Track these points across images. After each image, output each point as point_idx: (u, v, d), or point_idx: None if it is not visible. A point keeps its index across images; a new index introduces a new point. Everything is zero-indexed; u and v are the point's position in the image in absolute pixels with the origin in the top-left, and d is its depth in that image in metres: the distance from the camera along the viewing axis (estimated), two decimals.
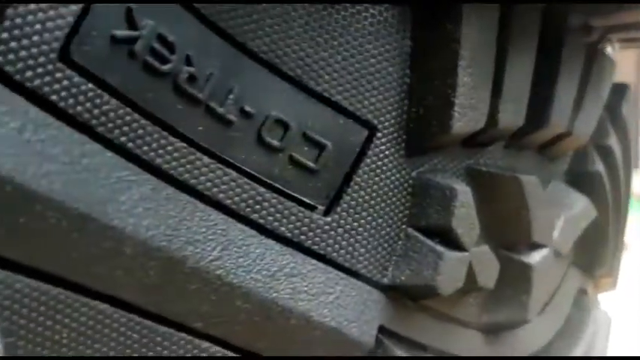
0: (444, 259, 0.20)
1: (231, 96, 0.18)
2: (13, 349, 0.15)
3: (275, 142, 0.19)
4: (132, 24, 0.16)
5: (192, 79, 0.17)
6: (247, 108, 0.18)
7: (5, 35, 0.14)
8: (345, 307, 0.20)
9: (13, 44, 0.14)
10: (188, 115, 0.17)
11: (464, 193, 0.21)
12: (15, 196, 0.14)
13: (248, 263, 0.19)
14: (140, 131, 0.17)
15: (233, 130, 0.18)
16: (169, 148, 0.17)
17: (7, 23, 0.14)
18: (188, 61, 0.17)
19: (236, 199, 0.18)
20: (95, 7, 0.15)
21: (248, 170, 0.19)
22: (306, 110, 0.19)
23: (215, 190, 0.18)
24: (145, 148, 0.17)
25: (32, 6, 0.14)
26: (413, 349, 0.22)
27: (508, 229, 0.23)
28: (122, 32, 0.16)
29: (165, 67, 0.17)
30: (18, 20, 0.14)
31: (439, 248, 0.20)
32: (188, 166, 0.18)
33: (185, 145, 0.17)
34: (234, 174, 0.18)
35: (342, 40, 0.19)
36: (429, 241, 0.21)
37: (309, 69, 0.19)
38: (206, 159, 0.18)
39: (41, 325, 0.15)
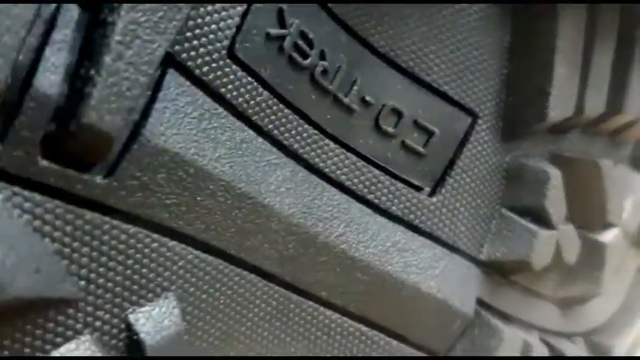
0: (538, 237, 0.22)
1: (355, 87, 0.20)
2: (184, 314, 0.17)
3: (390, 129, 0.21)
4: (282, 23, 0.18)
5: (325, 72, 0.19)
6: (367, 98, 0.20)
7: (189, 34, 0.16)
8: (449, 280, 0.22)
9: (194, 42, 0.16)
10: (319, 105, 0.19)
11: (555, 176, 0.23)
12: (196, 177, 0.16)
13: (366, 239, 0.21)
14: (283, 119, 0.19)
15: (354, 118, 0.20)
16: (305, 134, 0.19)
17: (190, 23, 0.16)
18: (322, 56, 0.19)
19: (355, 180, 0.21)
20: (254, 7, 0.17)
21: (365, 154, 0.21)
22: (417, 99, 0.21)
23: (338, 172, 0.20)
24: (287, 134, 0.19)
25: (209, 7, 0.16)
26: (501, 319, 0.24)
27: (586, 210, 0.25)
28: (275, 30, 0.18)
29: (306, 62, 0.19)
30: (199, 20, 0.16)
31: (533, 227, 0.23)
32: (318, 151, 0.20)
33: (316, 131, 0.20)
34: (354, 158, 0.20)
35: (450, 34, 0.21)
36: (522, 221, 0.23)
37: (421, 61, 0.21)
38: (332, 144, 0.20)
39: (205, 292, 0.18)
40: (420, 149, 0.21)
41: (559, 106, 0.22)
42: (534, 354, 0.24)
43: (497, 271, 0.24)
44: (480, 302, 0.23)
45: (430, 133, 0.21)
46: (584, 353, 0.27)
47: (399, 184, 0.21)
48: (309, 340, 0.20)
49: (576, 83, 0.23)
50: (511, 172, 0.23)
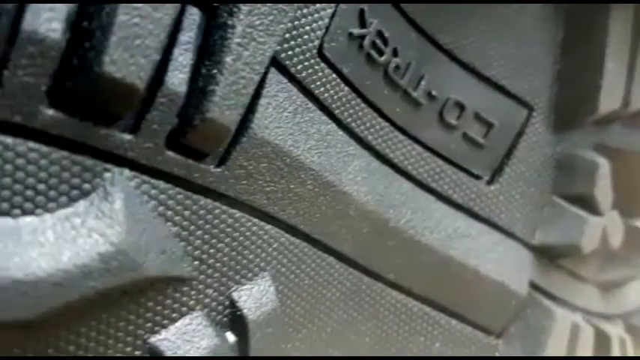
0: (587, 223, 0.24)
1: (422, 82, 0.21)
2: (277, 293, 0.19)
3: (453, 121, 0.22)
4: (363, 23, 0.19)
5: (397, 68, 0.21)
6: (433, 92, 0.22)
7: (287, 36, 0.17)
8: (505, 263, 0.24)
9: (292, 43, 0.18)
10: (391, 99, 0.21)
11: (603, 165, 0.24)
12: (290, 167, 0.18)
13: (431, 225, 0.22)
14: (359, 113, 0.20)
15: (421, 111, 0.22)
16: (377, 127, 0.21)
17: (288, 25, 0.17)
18: (395, 53, 0.21)
19: (420, 170, 0.22)
20: (340, 9, 0.19)
21: (430, 145, 0.22)
22: (478, 93, 0.23)
23: (406, 162, 0.22)
24: (362, 127, 0.20)
25: (305, 10, 0.18)
26: (551, 300, 0.26)
27: (630, 198, 0.27)
28: (357, 30, 0.19)
29: (381, 59, 0.20)
30: (296, 22, 0.17)
31: (582, 213, 0.24)
32: (389, 142, 0.21)
33: (388, 124, 0.21)
34: (420, 149, 0.22)
35: (509, 32, 0.23)
36: (572, 208, 0.24)
37: (482, 57, 0.22)
38: (400, 136, 0.22)
39: (292, 273, 0.19)
40: (480, 140, 0.23)
41: (609, 100, 0.24)
42: (582, 334, 0.25)
43: (547, 256, 0.25)
44: (532, 285, 0.25)
45: (490, 125, 0.23)
46: (623, 335, 0.29)
47: (461, 173, 0.23)
48: (377, 319, 0.22)
49: (624, 78, 0.25)
50: (562, 162, 0.25)
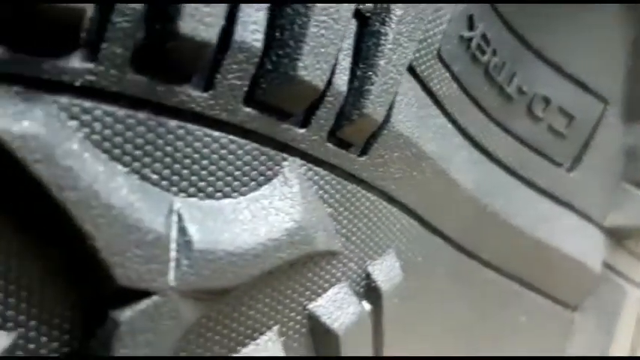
0: None
1: (515, 79, 0.24)
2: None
3: (539, 114, 0.25)
4: (471, 26, 0.22)
5: (495, 66, 0.23)
6: (524, 88, 0.24)
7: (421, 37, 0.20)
8: (583, 244, 0.26)
9: (419, 46, 0.20)
10: (489, 94, 0.24)
11: None
12: (415, 156, 0.21)
13: (520, 209, 0.25)
14: (464, 107, 0.23)
15: (513, 105, 0.24)
16: (477, 120, 0.23)
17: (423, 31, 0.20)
18: (494, 53, 0.23)
19: (511, 159, 0.25)
20: (454, 14, 0.21)
21: (519, 136, 0.25)
22: (562, 89, 0.25)
23: (499, 151, 0.24)
24: (466, 120, 0.23)
25: (431, 16, 0.20)
26: (620, 277, 0.28)
27: None
28: (467, 33, 0.22)
29: (484, 59, 0.23)
30: (426, 28, 0.20)
31: None
32: (485, 134, 0.24)
33: (485, 117, 0.24)
34: (510, 139, 0.25)
35: (589, 32, 0.25)
36: None
37: (566, 55, 0.25)
38: (495, 128, 0.24)
39: (410, 250, 0.22)
40: (563, 131, 0.25)
41: None
42: None
43: (616, 237, 0.28)
44: (604, 263, 0.27)
45: (571, 118, 0.25)
46: None
47: (545, 162, 0.26)
48: (473, 294, 0.25)
49: None
50: (631, 151, 0.27)
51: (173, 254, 0.14)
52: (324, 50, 0.16)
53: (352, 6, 0.17)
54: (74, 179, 0.13)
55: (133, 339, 0.14)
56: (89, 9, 0.13)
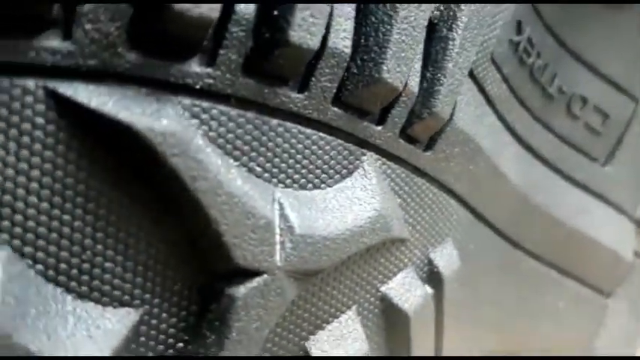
0: None
1: (556, 79, 0.26)
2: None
3: (577, 112, 0.27)
4: (519, 31, 0.24)
5: (539, 68, 0.25)
6: (563, 88, 0.26)
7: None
8: (617, 234, 0.28)
9: (480, 49, 0.22)
10: (533, 94, 0.26)
11: None
12: (472, 151, 0.22)
13: (559, 201, 0.27)
14: (511, 106, 0.25)
15: (553, 104, 0.26)
16: (523, 118, 0.25)
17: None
18: (538, 55, 0.25)
19: (552, 155, 0.27)
20: (507, 20, 0.23)
21: (558, 133, 0.27)
22: (598, 89, 0.27)
23: (541, 148, 0.26)
24: (513, 119, 0.25)
25: (488, 22, 0.22)
26: None
27: None
28: (515, 37, 0.24)
29: (529, 61, 0.25)
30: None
31: None
32: (529, 131, 0.26)
33: (529, 116, 0.26)
34: (551, 136, 0.27)
35: (623, 35, 0.27)
36: None
37: (601, 57, 0.27)
38: (537, 125, 0.26)
39: (464, 240, 0.24)
40: (598, 129, 0.27)
41: None
42: None
43: None
44: (636, 253, 0.29)
45: (606, 116, 0.27)
46: None
47: (581, 157, 0.28)
48: (516, 281, 0.27)
49: None
50: None
51: (279, 238, 0.16)
52: (404, 55, 0.18)
53: (428, 14, 0.18)
54: (204, 170, 0.15)
55: (247, 313, 0.16)
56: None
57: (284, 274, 0.17)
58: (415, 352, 0.21)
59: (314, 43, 0.16)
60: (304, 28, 0.16)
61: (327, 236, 0.17)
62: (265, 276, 0.16)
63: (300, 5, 0.15)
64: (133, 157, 0.14)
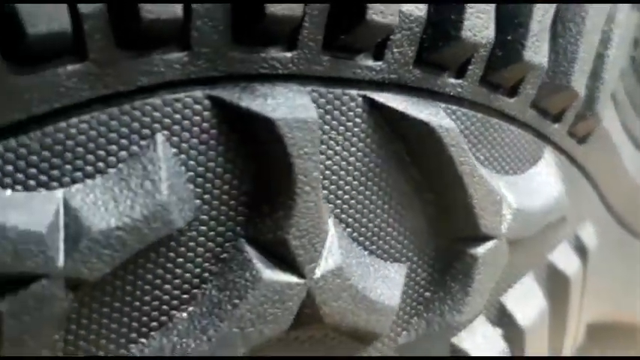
0: None
1: None
2: None
3: None
4: (635, 47, 0.29)
5: None
6: None
7: None
8: None
9: None
10: None
11: None
12: (609, 146, 0.28)
13: None
14: (628, 111, 0.30)
15: None
16: (635, 123, 0.31)
17: None
18: None
19: None
20: (637, 38, 0.29)
21: None
22: None
23: None
24: (628, 122, 0.30)
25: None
26: None
27: None
28: (633, 52, 0.29)
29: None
30: None
31: None
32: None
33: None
34: None
35: None
36: None
37: None
38: None
39: (595, 221, 0.29)
40: None
41: None
42: None
43: None
44: None
45: None
46: None
47: None
48: (627, 265, 0.32)
49: None
50: None
51: (505, 211, 0.22)
52: (586, 68, 0.23)
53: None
54: (468, 157, 0.20)
55: (484, 269, 0.21)
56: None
57: (505, 240, 0.22)
58: (570, 312, 0.27)
59: (484, 37, 0.20)
60: (475, 25, 0.20)
61: (532, 212, 0.23)
62: (496, 240, 0.22)
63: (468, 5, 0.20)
64: (419, 146, 0.20)
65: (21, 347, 0.15)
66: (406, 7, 0.19)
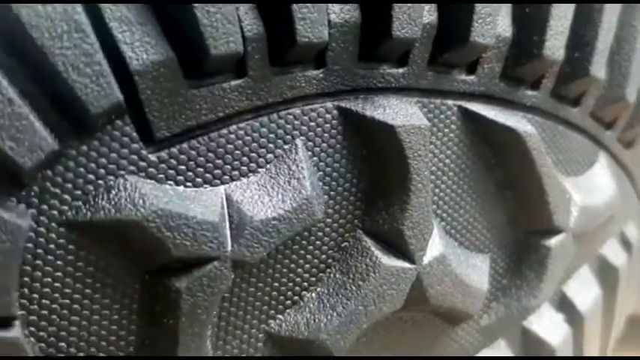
0: None
1: None
2: None
3: None
4: None
5: None
6: None
7: None
8: None
9: None
10: None
11: None
12: None
13: None
14: None
15: None
16: None
17: None
18: None
19: None
20: None
21: None
22: None
23: None
24: None
25: None
26: None
27: None
28: None
29: None
30: None
31: None
32: None
33: None
34: None
35: None
36: None
37: None
38: None
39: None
40: None
41: None
42: None
43: None
44: None
45: None
46: None
47: None
48: None
49: None
50: None
51: (572, 208, 0.25)
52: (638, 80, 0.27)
53: None
54: (545, 159, 0.23)
55: (556, 259, 0.25)
56: None
57: (571, 234, 0.25)
58: (618, 301, 0.30)
59: (558, 55, 0.24)
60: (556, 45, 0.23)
61: (593, 209, 0.26)
62: (565, 234, 0.25)
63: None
64: (505, 149, 0.23)
65: (195, 321, 0.18)
66: (499, 29, 0.22)
